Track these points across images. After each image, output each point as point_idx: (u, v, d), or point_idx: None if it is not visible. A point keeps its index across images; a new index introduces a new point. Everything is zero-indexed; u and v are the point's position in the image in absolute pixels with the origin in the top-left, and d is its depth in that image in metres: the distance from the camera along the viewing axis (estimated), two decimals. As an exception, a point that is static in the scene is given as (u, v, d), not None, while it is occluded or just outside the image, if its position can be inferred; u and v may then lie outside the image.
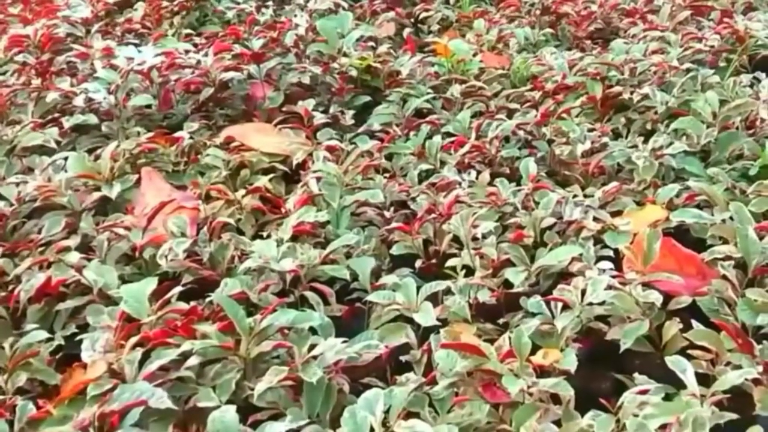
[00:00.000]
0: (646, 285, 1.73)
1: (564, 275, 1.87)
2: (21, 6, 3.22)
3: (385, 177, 2.35)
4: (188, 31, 3.24)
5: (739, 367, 1.49)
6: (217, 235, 2.02)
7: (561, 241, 2.00)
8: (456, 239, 2.00)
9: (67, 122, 2.44)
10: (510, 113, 2.72)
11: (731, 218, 1.93)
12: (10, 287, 1.87)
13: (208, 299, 1.75)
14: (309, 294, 1.83)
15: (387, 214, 2.18)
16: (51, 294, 1.85)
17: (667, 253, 1.86)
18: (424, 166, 2.41)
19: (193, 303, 1.72)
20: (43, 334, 1.69)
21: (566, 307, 1.70)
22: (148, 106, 2.58)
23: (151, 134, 2.36)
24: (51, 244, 2.00)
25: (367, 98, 2.91)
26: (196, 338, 1.58)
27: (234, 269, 1.91)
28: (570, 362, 1.54)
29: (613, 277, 1.76)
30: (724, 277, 1.75)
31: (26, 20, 3.08)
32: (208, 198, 2.17)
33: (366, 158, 2.36)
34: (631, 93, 2.65)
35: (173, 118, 2.65)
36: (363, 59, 2.98)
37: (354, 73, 2.91)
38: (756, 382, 1.47)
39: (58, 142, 2.39)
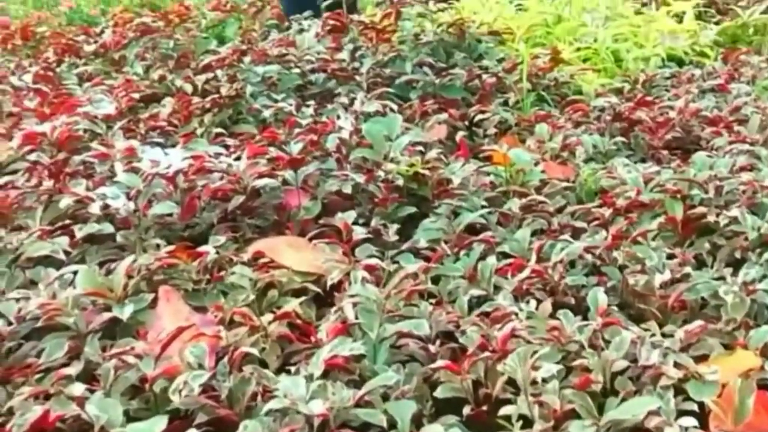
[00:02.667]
0: (738, 450, 1.63)
1: (638, 431, 1.79)
2: (38, 99, 3.30)
3: (430, 303, 2.30)
4: (219, 130, 3.29)
5: None
6: (238, 367, 1.97)
7: (635, 389, 1.92)
8: (511, 382, 1.93)
9: (80, 231, 2.45)
10: (575, 233, 2.68)
11: (839, 372, 1.84)
12: (0, 420, 1.83)
13: (224, 446, 1.70)
14: (339, 443, 1.77)
15: (432, 348, 2.12)
16: (46, 430, 1.81)
17: (762, 409, 1.77)
18: (476, 292, 2.35)
19: (206, 450, 1.68)
20: (32, 480, 1.64)
21: (642, 472, 1.61)
22: (170, 215, 2.58)
23: (171, 247, 2.35)
24: (50, 371, 1.98)
25: (413, 209, 2.89)
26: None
27: (255, 409, 1.86)
28: None
29: (698, 437, 1.67)
30: (833, 445, 1.65)
31: (43, 115, 3.15)
32: (230, 323, 2.14)
33: (410, 281, 2.32)
34: (717, 215, 2.59)
35: (197, 228, 2.65)
36: (411, 165, 2.98)
37: (400, 181, 2.90)
38: None
39: (67, 253, 2.39)
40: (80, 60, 4.21)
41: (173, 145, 3.04)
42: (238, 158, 2.81)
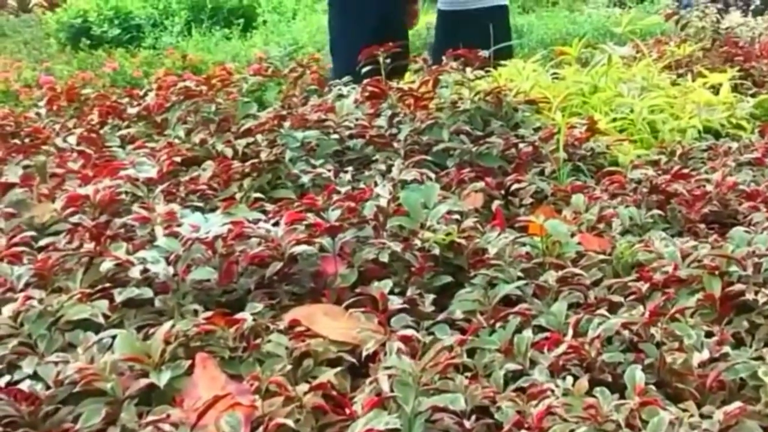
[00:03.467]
0: None
1: None
2: (81, 161, 3.36)
3: (465, 377, 2.28)
4: (258, 195, 3.32)
5: None
6: (273, 438, 1.97)
7: (674, 472, 1.89)
8: (548, 462, 1.91)
9: (119, 295, 2.47)
10: (612, 307, 2.65)
11: None
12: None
13: None
14: None
15: (467, 423, 2.10)
16: (81, 499, 1.81)
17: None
18: (512, 366, 2.33)
19: None
20: None
21: None
22: (208, 280, 2.60)
23: (209, 313, 2.37)
24: (86, 436, 1.99)
25: (449, 279, 2.89)
26: None
27: (288, 483, 1.85)
28: None
29: None
30: None
31: (86, 177, 3.20)
32: (266, 393, 2.13)
33: (446, 353, 2.31)
34: (756, 293, 2.57)
35: (234, 294, 2.67)
36: (447, 234, 2.98)
37: (437, 250, 2.91)
38: None
39: (106, 317, 2.41)
40: (123, 122, 4.27)
41: (213, 209, 3.07)
42: (276, 224, 2.84)
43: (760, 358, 2.28)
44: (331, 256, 2.79)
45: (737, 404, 2.07)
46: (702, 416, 2.07)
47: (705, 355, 2.27)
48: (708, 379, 2.23)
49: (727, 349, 2.32)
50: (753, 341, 2.46)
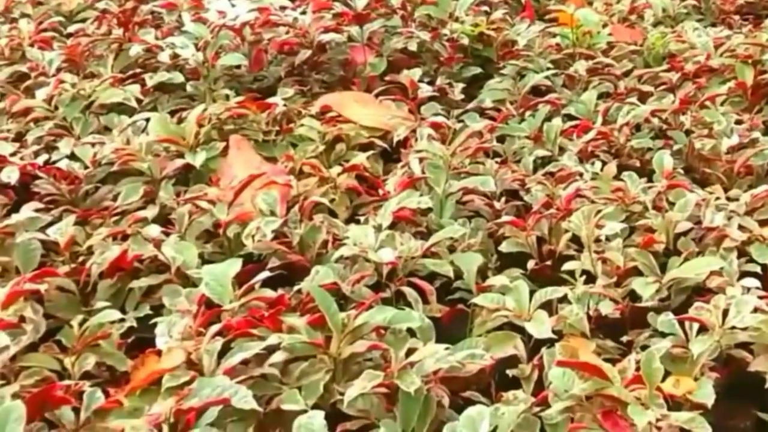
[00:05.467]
0: (801, 310, 1.64)
1: (700, 291, 1.80)
2: (107, -52, 3.26)
3: (496, 162, 2.30)
4: (285, -19, 3.24)
5: None
6: (309, 216, 2.01)
7: (698, 250, 1.92)
8: (575, 239, 1.95)
9: (150, 80, 2.47)
10: (642, 97, 2.64)
11: None
12: (81, 259, 1.90)
13: (296, 288, 1.74)
14: (407, 290, 1.81)
15: (497, 205, 2.14)
16: (124, 269, 1.87)
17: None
18: (541, 152, 2.35)
19: (280, 291, 1.73)
20: (115, 314, 1.69)
21: (703, 329, 1.63)
22: (238, 67, 2.59)
23: (240, 98, 2.37)
24: (126, 214, 2.04)
25: (478, 70, 2.87)
26: (282, 331, 1.58)
27: (325, 256, 1.90)
28: (707, 394, 1.48)
29: (760, 297, 1.68)
30: None
31: (109, -38, 3.12)
32: (300, 173, 2.17)
33: (476, 139, 2.32)
34: (788, 81, 2.54)
35: (264, 81, 2.67)
36: (476, 25, 2.93)
37: (465, 41, 2.86)
38: None
39: (139, 101, 2.42)
40: None
41: (238, -4, 3.01)
42: (303, 12, 2.79)
43: (790, 143, 2.28)
44: (359, 44, 2.76)
45: (764, 187, 2.08)
46: (729, 199, 2.09)
47: (734, 140, 2.27)
48: (736, 165, 2.24)
49: (757, 134, 2.32)
50: (783, 128, 2.45)
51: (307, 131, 2.30)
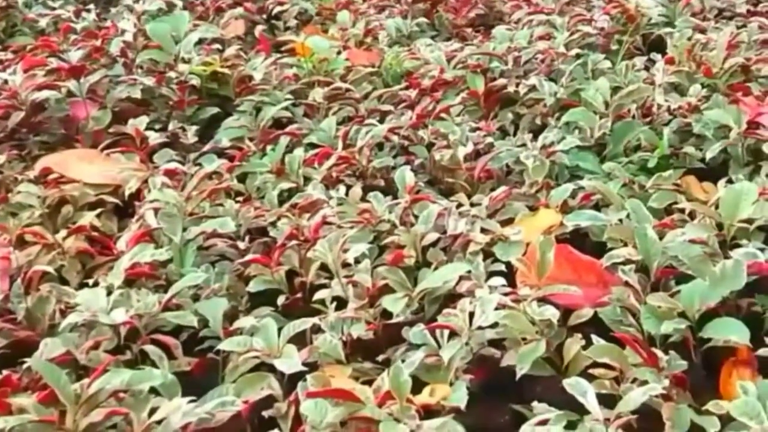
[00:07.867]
0: (542, 300, 1.76)
1: (452, 297, 1.89)
2: None
3: (237, 201, 2.32)
4: (-9, 45, 3.15)
5: (645, 383, 1.53)
6: (35, 287, 1.95)
7: (447, 258, 2.02)
8: (324, 267, 1.99)
9: None
10: (383, 116, 2.75)
11: (628, 217, 1.99)
12: None
13: (25, 365, 1.68)
14: (149, 348, 1.78)
15: (241, 244, 2.16)
16: None
17: (563, 262, 1.90)
18: (285, 185, 2.40)
19: (6, 371, 1.66)
20: None
21: (453, 334, 1.71)
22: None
23: (-53, 173, 2.27)
24: None
25: (216, 110, 2.89)
26: (12, 413, 1.52)
27: (57, 326, 1.85)
28: (459, 398, 1.55)
29: (506, 294, 1.78)
30: (626, 284, 1.80)
31: None
32: (22, 243, 2.10)
33: (214, 181, 2.33)
34: (517, 85, 2.73)
35: (-25, 149, 2.56)
36: (207, 64, 2.95)
37: (196, 81, 2.88)
38: (664, 398, 1.52)
39: None
40: None
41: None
42: (14, 72, 2.71)
43: (523, 144, 2.44)
44: (80, 99, 2.71)
45: (503, 188, 2.22)
46: (472, 204, 2.22)
47: (470, 148, 2.40)
48: (476, 171, 2.37)
49: (491, 140, 2.47)
50: (517, 131, 2.62)
51: (25, 198, 2.23)
